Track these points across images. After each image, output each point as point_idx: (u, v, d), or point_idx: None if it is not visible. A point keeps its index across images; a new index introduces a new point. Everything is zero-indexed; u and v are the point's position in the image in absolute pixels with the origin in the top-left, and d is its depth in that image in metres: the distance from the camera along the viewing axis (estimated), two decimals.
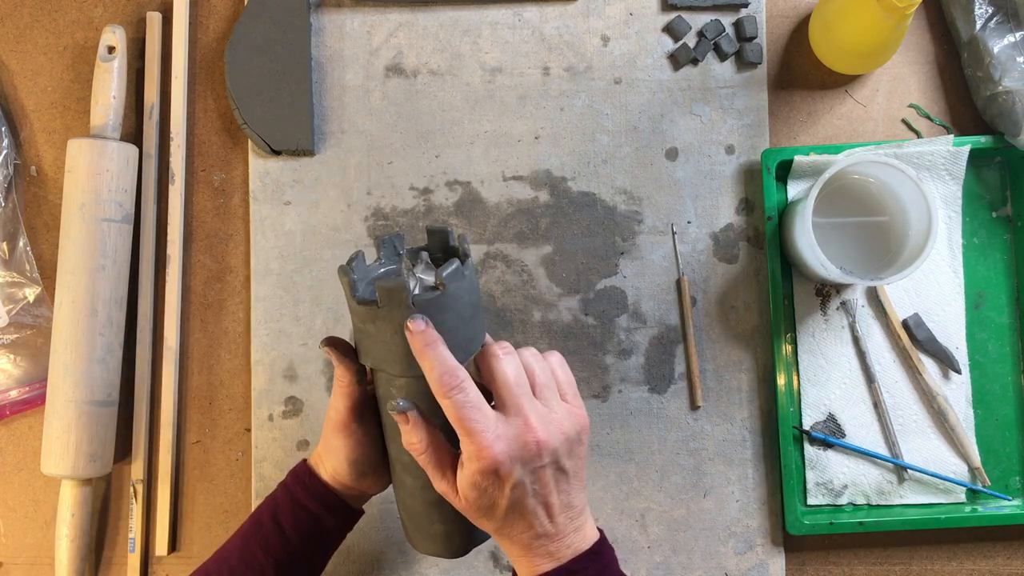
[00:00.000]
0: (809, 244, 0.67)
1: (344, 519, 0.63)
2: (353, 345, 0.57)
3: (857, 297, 0.76)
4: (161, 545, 0.75)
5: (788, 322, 0.76)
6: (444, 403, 0.51)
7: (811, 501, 0.74)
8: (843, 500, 0.75)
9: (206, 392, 0.77)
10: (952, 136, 0.75)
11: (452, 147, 0.77)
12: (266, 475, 0.75)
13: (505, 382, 0.52)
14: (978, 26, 0.74)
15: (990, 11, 0.74)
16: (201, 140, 0.78)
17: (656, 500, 0.75)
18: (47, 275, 0.77)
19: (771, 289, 0.74)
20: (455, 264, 0.52)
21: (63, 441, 0.71)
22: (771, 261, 0.75)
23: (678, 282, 0.76)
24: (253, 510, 0.64)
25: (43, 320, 0.76)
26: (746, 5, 0.78)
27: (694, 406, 0.76)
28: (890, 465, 0.75)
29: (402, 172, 0.77)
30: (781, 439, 0.73)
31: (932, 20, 0.78)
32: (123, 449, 0.75)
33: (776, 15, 0.79)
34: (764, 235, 0.76)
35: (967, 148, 0.74)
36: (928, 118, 0.78)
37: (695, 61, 0.78)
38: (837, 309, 0.76)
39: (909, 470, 0.74)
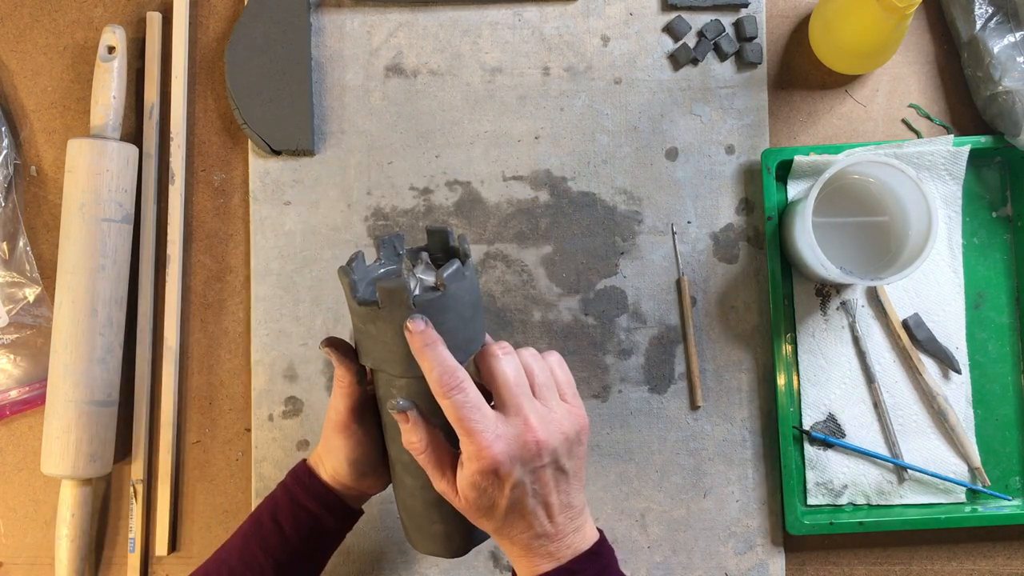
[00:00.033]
0: (809, 244, 0.67)
1: (344, 519, 0.63)
2: (353, 345, 0.57)
3: (857, 297, 0.76)
4: (161, 545, 0.75)
5: (788, 322, 0.76)
6: (444, 403, 0.51)
7: (811, 501, 0.74)
8: (843, 500, 0.75)
9: (206, 392, 0.77)
10: (952, 136, 0.75)
11: (452, 147, 0.77)
12: (266, 475, 0.75)
13: (505, 382, 0.52)
14: (978, 26, 0.74)
15: (990, 11, 0.74)
16: (201, 140, 0.78)
17: (656, 500, 0.75)
18: (47, 275, 0.77)
19: (771, 289, 0.74)
20: (455, 264, 0.52)
21: (63, 441, 0.71)
22: (771, 261, 0.75)
23: (678, 282, 0.76)
24: (253, 510, 0.64)
25: (43, 320, 0.76)
26: (746, 5, 0.78)
27: (694, 406, 0.76)
28: (890, 465, 0.75)
29: (402, 172, 0.77)
30: (781, 439, 0.73)
31: (932, 20, 0.78)
32: (123, 449, 0.75)
33: (776, 15, 0.79)
34: (764, 235, 0.76)
35: (967, 148, 0.74)
36: (928, 118, 0.78)
37: (695, 61, 0.78)
38: (837, 309, 0.76)
39: (909, 470, 0.74)
